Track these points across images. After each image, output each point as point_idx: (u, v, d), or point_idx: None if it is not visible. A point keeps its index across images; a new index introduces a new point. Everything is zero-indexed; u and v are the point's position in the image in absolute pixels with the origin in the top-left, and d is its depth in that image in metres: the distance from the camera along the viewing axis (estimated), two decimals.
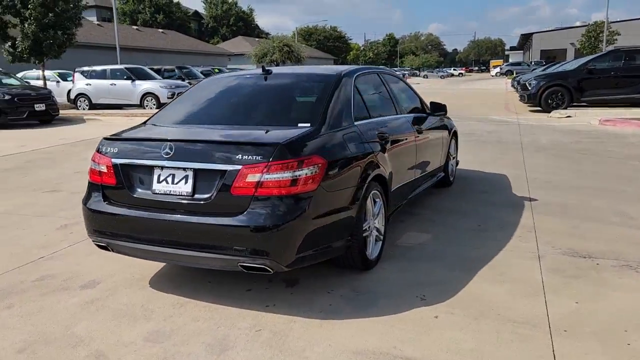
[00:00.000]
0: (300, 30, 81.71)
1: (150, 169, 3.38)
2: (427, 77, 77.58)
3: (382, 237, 4.12)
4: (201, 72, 23.78)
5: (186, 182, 3.26)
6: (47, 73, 21.45)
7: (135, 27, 47.06)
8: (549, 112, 14.92)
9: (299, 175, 3.13)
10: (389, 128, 4.38)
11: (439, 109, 5.70)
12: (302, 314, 3.29)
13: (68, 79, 21.10)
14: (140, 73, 18.96)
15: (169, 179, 3.31)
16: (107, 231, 3.49)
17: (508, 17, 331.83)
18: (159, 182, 3.34)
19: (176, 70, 22.15)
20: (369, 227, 3.88)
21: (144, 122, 4.13)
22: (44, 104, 14.45)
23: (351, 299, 3.48)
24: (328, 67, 4.56)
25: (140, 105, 18.20)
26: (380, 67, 5.50)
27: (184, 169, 3.27)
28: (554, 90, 15.43)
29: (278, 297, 3.53)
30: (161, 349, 2.92)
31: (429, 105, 5.81)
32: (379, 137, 4.12)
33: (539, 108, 15.87)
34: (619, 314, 3.19)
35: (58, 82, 21.59)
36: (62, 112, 17.09)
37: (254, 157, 3.11)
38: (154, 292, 3.67)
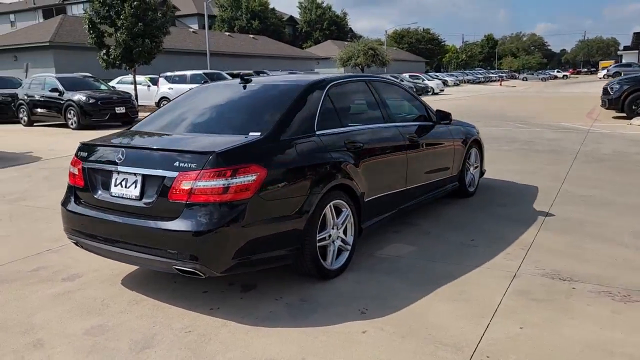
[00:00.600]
0: (393, 34, 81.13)
1: (110, 173, 3.62)
2: (526, 80, 73.94)
3: (349, 248, 4.09)
4: None
5: (135, 187, 3.47)
6: (140, 78, 23.12)
7: (227, 33, 49.26)
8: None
9: (232, 184, 3.21)
10: (366, 137, 4.34)
11: (443, 117, 5.52)
12: (238, 319, 3.37)
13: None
14: (217, 78, 19.88)
15: (123, 183, 3.53)
16: (75, 229, 3.79)
17: (627, 15, 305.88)
18: (115, 185, 3.57)
19: (253, 74, 22.88)
20: (328, 237, 3.87)
21: (128, 128, 4.42)
22: (124, 107, 15.63)
23: (294, 307, 3.51)
24: (307, 76, 4.59)
25: None
26: (372, 75, 5.44)
27: (134, 174, 3.48)
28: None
29: (227, 301, 3.64)
30: (93, 342, 3.13)
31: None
32: (349, 146, 4.09)
33: (624, 114, 14.65)
34: (560, 344, 2.95)
35: (149, 86, 23.17)
36: (143, 115, 18.35)
37: (189, 164, 3.25)
38: (121, 288, 3.92)
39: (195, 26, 56.67)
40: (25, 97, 16.42)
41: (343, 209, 4.01)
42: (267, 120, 3.77)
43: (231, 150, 3.33)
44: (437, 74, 56.65)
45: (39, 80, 16.61)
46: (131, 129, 4.31)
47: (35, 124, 16.97)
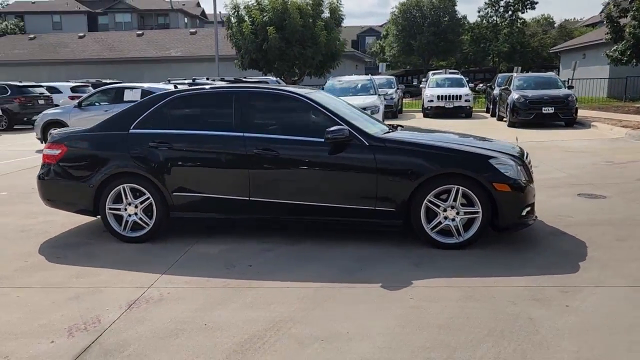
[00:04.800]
0: None
1: None
2: None
3: (147, 227, 5.12)
4: None
5: None
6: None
7: None
8: None
9: (49, 153, 5.35)
10: (180, 140, 5.02)
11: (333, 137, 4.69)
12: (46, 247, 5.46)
13: None
14: None
15: None
16: None
17: None
18: None
19: None
20: (124, 210, 5.14)
21: None
22: (552, 108, 15.15)
23: (73, 245, 5.21)
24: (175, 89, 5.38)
25: None
26: (248, 86, 5.01)
27: None
28: None
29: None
30: None
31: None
32: (159, 145, 5.02)
33: None
34: None
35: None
36: (582, 116, 16.58)
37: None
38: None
39: None
40: None
41: (146, 193, 5.08)
42: (107, 118, 5.43)
43: (58, 134, 5.40)
44: None
45: None
46: None
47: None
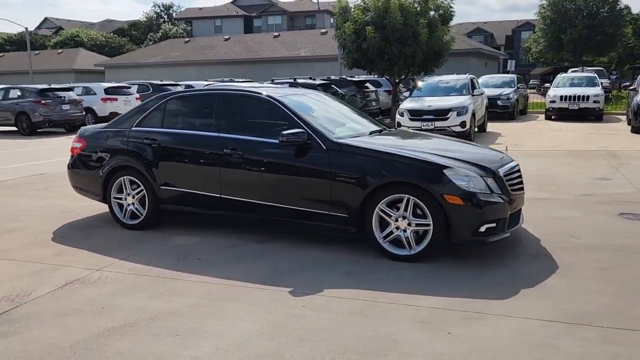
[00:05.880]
0: None
1: None
2: None
3: (140, 216, 5.64)
4: None
5: None
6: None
7: None
8: None
9: (74, 146, 6.12)
10: (165, 138, 5.44)
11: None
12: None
13: None
14: None
15: None
16: None
17: None
18: None
19: None
20: (125, 199, 5.73)
21: None
22: None
23: (82, 227, 5.92)
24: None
25: None
26: (230, 89, 4.99)
27: None
28: None
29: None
30: None
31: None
32: (149, 142, 5.50)
33: None
34: None
35: None
36: None
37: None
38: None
39: None
40: None
41: (140, 185, 5.61)
42: (119, 116, 6.03)
43: (85, 129, 6.15)
44: None
45: None
46: None
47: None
